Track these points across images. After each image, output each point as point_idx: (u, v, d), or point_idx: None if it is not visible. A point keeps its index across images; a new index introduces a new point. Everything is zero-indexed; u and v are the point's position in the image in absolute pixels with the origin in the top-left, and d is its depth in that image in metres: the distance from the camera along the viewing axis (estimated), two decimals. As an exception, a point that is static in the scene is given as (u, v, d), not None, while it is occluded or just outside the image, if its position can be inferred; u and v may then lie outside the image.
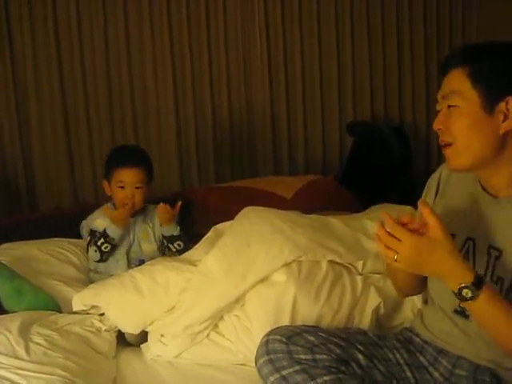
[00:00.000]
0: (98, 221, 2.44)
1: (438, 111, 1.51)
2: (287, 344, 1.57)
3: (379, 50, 4.26)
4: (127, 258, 2.44)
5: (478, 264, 1.48)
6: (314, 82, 4.14)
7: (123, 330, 2.11)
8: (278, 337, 1.59)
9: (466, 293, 1.31)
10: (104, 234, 2.36)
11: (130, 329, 2.08)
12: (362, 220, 2.35)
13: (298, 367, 1.51)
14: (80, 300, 2.15)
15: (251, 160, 4.08)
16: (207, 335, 2.04)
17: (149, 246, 2.49)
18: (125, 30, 3.68)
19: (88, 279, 2.44)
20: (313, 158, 4.20)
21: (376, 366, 1.59)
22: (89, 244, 2.43)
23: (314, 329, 1.68)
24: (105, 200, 2.54)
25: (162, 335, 2.05)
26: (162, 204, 2.44)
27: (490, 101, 1.41)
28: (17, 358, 1.74)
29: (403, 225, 1.38)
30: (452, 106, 1.46)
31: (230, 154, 4.01)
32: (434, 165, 3.85)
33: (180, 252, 2.42)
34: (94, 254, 2.39)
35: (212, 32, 3.88)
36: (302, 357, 1.54)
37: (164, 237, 2.47)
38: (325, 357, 1.54)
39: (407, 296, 1.97)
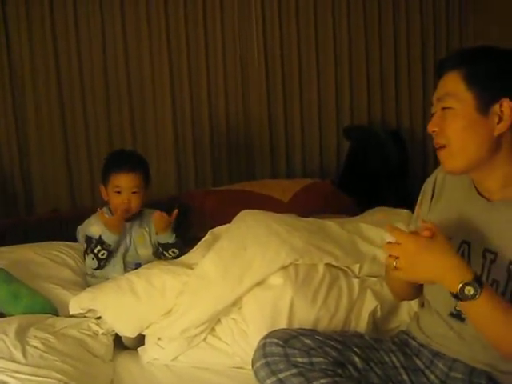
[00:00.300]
0: (94, 227, 2.44)
1: (433, 114, 1.52)
2: (284, 347, 1.57)
3: (376, 54, 4.26)
4: (123, 262, 2.43)
5: (474, 267, 1.47)
6: (311, 85, 4.13)
7: (120, 334, 2.11)
8: (275, 340, 1.60)
9: (469, 290, 1.31)
10: (100, 241, 2.36)
11: (127, 332, 2.08)
12: (358, 223, 2.36)
13: (294, 370, 1.52)
14: (77, 303, 2.16)
15: (248, 164, 4.08)
16: (204, 338, 2.04)
17: (145, 251, 2.48)
18: (122, 30, 3.67)
19: (85, 282, 2.44)
20: (310, 162, 4.20)
21: (372, 368, 1.60)
22: (85, 252, 2.42)
23: (311, 332, 1.69)
24: (102, 204, 2.54)
25: (158, 338, 2.05)
26: (158, 212, 2.44)
27: (485, 103, 1.42)
28: (14, 361, 1.74)
29: None
30: (447, 107, 1.47)
31: (227, 158, 4.01)
32: (431, 169, 3.84)
33: (175, 258, 2.42)
34: (91, 262, 2.39)
35: (209, 35, 3.87)
36: (299, 360, 1.54)
37: (159, 244, 2.47)
38: (321, 360, 1.54)
39: (404, 300, 1.99)
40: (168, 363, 2.02)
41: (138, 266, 2.38)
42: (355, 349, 1.62)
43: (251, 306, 2.01)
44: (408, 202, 2.17)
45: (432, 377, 1.59)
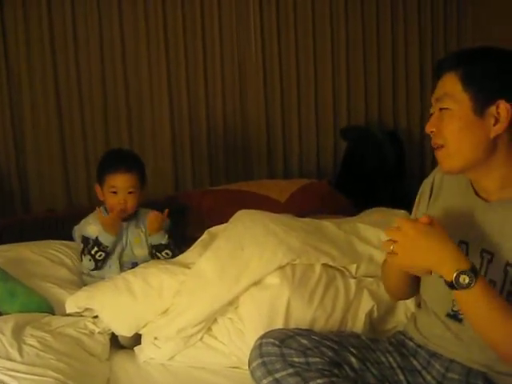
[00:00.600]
0: (91, 227, 2.44)
1: (432, 114, 1.53)
2: (280, 347, 1.57)
3: (373, 55, 4.26)
4: (120, 263, 2.43)
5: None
6: (308, 86, 4.14)
7: (117, 333, 2.11)
8: (272, 340, 1.60)
9: (464, 279, 1.31)
10: (97, 242, 2.36)
11: (124, 331, 2.08)
12: (355, 223, 2.35)
13: (291, 370, 1.52)
14: (73, 302, 2.15)
15: (245, 164, 4.08)
16: (200, 338, 2.04)
17: (141, 251, 2.48)
18: (120, 29, 3.67)
19: (81, 281, 2.43)
20: (307, 163, 4.20)
21: (369, 369, 1.60)
22: (82, 253, 2.43)
23: (307, 332, 1.69)
24: (98, 203, 2.53)
25: (155, 338, 2.05)
26: (153, 212, 2.44)
27: (481, 104, 1.43)
28: (9, 359, 1.74)
29: None
30: (444, 108, 1.48)
31: (225, 158, 4.01)
32: (428, 169, 3.85)
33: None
34: (88, 263, 2.39)
35: (207, 37, 3.87)
36: (295, 360, 1.54)
37: (152, 246, 2.47)
38: (318, 360, 1.54)
39: (399, 300, 1.99)
40: (164, 362, 2.02)
41: (134, 265, 2.38)
42: (352, 349, 1.62)
43: (248, 306, 2.01)
44: (405, 202, 2.17)
45: (429, 377, 1.59)
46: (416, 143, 4.41)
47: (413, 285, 1.70)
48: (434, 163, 1.57)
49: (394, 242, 1.40)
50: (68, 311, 2.15)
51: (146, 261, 2.38)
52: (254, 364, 1.58)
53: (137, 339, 2.10)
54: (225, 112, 3.97)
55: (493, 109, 1.42)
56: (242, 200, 3.07)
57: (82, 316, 2.13)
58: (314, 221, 2.36)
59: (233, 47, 3.95)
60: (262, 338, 1.64)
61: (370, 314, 2.02)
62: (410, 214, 1.83)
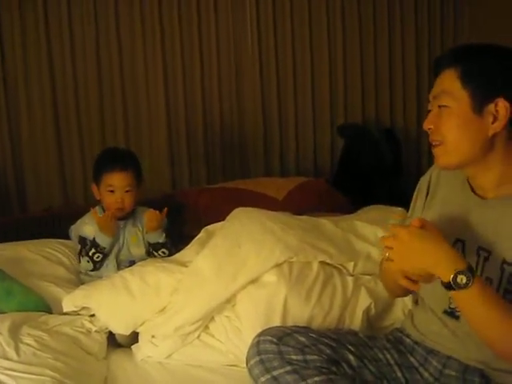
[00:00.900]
0: (87, 227, 2.43)
1: (429, 111, 1.53)
2: (278, 345, 1.57)
3: (370, 53, 4.26)
4: (117, 261, 2.42)
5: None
6: (305, 84, 4.14)
7: (114, 331, 2.11)
8: (269, 337, 1.60)
9: (461, 279, 1.30)
10: (94, 244, 2.36)
11: (121, 330, 2.08)
12: (352, 221, 2.36)
13: (288, 368, 1.52)
14: (70, 301, 2.15)
15: (242, 162, 4.08)
16: (198, 336, 2.04)
17: (138, 250, 2.47)
18: (116, 29, 3.66)
19: (78, 280, 2.43)
20: (304, 160, 4.20)
21: (366, 366, 1.60)
22: (80, 254, 2.42)
23: (305, 329, 1.69)
24: (95, 202, 2.53)
25: (152, 336, 2.05)
26: (151, 210, 2.43)
27: (480, 102, 1.43)
28: (6, 358, 1.74)
29: None
30: (442, 105, 1.48)
31: (222, 156, 4.01)
32: (425, 167, 3.85)
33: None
34: (86, 264, 2.38)
35: (203, 34, 3.87)
36: (293, 357, 1.54)
37: (149, 244, 2.46)
38: (315, 357, 1.54)
39: (398, 297, 1.99)
40: (162, 361, 2.02)
41: (131, 263, 2.38)
42: (349, 346, 1.62)
43: (245, 304, 2.01)
44: (402, 200, 2.17)
45: (426, 374, 1.59)
46: (413, 141, 4.41)
47: None
48: (431, 161, 1.57)
49: (390, 248, 1.40)
50: (65, 310, 2.15)
51: (143, 259, 2.38)
52: (252, 362, 1.57)
53: (134, 337, 2.10)
54: (221, 109, 3.97)
55: (491, 107, 1.42)
56: (238, 198, 3.07)
57: (79, 315, 2.13)
58: (312, 219, 2.36)
59: (229, 43, 3.95)
60: (259, 335, 1.64)
61: (367, 311, 2.03)
62: (407, 211, 1.83)
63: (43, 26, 3.51)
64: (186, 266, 2.15)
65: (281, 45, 4.05)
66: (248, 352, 1.62)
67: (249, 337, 1.72)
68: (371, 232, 2.27)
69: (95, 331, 2.06)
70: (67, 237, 2.57)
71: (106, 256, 2.39)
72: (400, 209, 2.43)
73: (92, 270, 2.39)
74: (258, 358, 1.56)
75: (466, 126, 1.45)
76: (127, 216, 2.48)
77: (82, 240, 2.43)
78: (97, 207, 2.46)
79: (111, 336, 2.12)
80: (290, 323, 1.90)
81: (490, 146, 1.45)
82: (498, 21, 3.95)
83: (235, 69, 3.98)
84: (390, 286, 1.76)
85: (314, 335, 1.62)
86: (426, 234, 1.38)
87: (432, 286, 1.43)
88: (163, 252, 2.44)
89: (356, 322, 2.00)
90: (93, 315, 2.11)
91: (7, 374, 1.67)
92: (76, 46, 3.62)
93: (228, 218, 2.32)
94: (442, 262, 1.34)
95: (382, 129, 4.15)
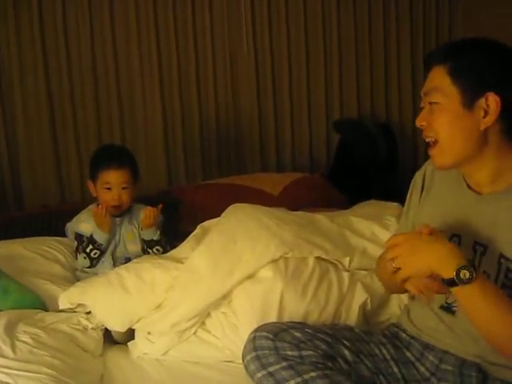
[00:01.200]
0: (83, 224, 2.43)
1: (422, 108, 1.53)
2: (274, 340, 1.57)
3: (366, 48, 4.26)
4: (113, 258, 2.43)
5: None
6: (300, 79, 4.13)
7: (110, 328, 2.10)
8: (265, 333, 1.60)
9: (464, 274, 1.30)
10: (92, 241, 2.36)
11: (117, 327, 2.08)
12: (348, 217, 2.36)
13: (284, 363, 1.52)
14: (66, 298, 2.15)
15: (238, 158, 4.08)
16: (194, 332, 2.04)
17: (134, 247, 2.47)
18: (111, 25, 3.64)
19: (74, 277, 2.43)
20: (300, 156, 4.20)
21: (363, 361, 1.60)
22: (77, 250, 2.42)
23: (301, 325, 1.69)
24: (91, 199, 2.52)
25: (148, 333, 2.05)
26: (148, 208, 2.43)
27: (470, 97, 1.43)
28: (2, 356, 1.74)
29: None
30: (433, 102, 1.48)
31: (218, 152, 4.00)
32: (421, 162, 3.84)
33: None
34: (83, 261, 2.39)
35: (198, 30, 3.86)
36: (289, 353, 1.54)
37: (144, 241, 2.46)
38: (311, 353, 1.54)
39: (395, 293, 1.99)
40: (158, 357, 2.02)
41: (127, 260, 2.38)
42: (345, 342, 1.62)
43: (241, 300, 2.01)
44: (398, 195, 2.17)
45: (422, 369, 1.60)
46: (408, 136, 4.41)
47: None
48: (427, 156, 1.57)
49: (395, 258, 1.40)
50: (61, 307, 2.15)
51: (139, 256, 2.37)
52: (248, 358, 1.58)
53: (130, 334, 2.09)
54: (217, 105, 3.96)
55: (482, 101, 1.42)
56: (235, 194, 3.07)
57: (75, 312, 2.13)
58: (307, 214, 2.36)
59: (224, 40, 3.94)
60: (255, 331, 1.64)
61: (363, 306, 2.03)
62: (403, 206, 1.83)
63: (38, 25, 3.49)
64: (182, 263, 2.15)
65: (276, 41, 4.04)
66: (244, 348, 1.62)
67: (245, 333, 1.72)
68: (367, 227, 2.27)
69: (91, 328, 2.06)
70: (63, 234, 2.56)
71: (103, 253, 2.39)
72: (395, 204, 2.43)
73: (89, 267, 2.39)
74: (253, 354, 1.56)
75: (457, 122, 1.45)
76: (123, 213, 2.48)
77: (79, 237, 2.42)
78: (93, 204, 2.46)
79: (107, 333, 2.12)
80: (286, 319, 1.90)
81: (483, 142, 1.45)
82: (492, 14, 3.95)
83: (230, 64, 3.97)
84: (388, 283, 1.76)
85: (309, 331, 1.63)
86: (428, 238, 1.39)
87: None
88: (157, 249, 2.44)
89: (352, 317, 2.00)
90: (89, 312, 2.11)
91: (3, 372, 1.67)
92: (71, 44, 3.60)
93: (223, 214, 2.31)
94: (443, 259, 1.34)
95: (378, 124, 4.15)
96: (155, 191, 3.53)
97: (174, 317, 1.99)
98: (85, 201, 2.89)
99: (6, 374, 1.66)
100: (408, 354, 1.64)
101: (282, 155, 4.16)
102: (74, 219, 2.48)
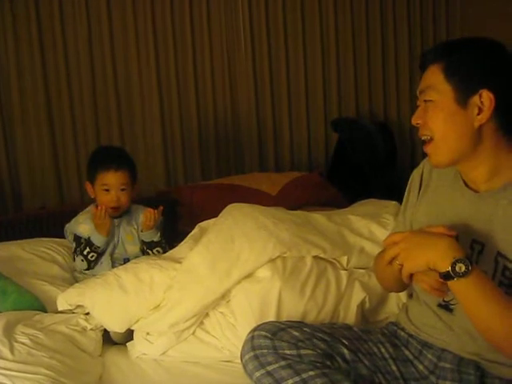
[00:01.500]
0: (82, 226, 2.43)
1: (418, 106, 1.53)
2: (272, 340, 1.57)
3: (363, 47, 4.27)
4: (111, 259, 2.43)
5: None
6: (298, 78, 4.14)
7: (108, 329, 2.10)
8: (263, 333, 1.59)
9: (460, 267, 1.30)
10: (89, 243, 2.36)
11: (116, 327, 2.08)
12: (346, 215, 2.36)
13: (283, 363, 1.51)
14: (65, 299, 2.15)
15: (237, 157, 4.08)
16: (193, 332, 2.04)
17: (133, 248, 2.47)
18: (108, 26, 3.65)
19: (73, 278, 2.43)
20: (298, 155, 4.21)
21: (361, 359, 1.60)
22: (75, 252, 2.42)
23: (299, 324, 1.68)
24: (89, 200, 2.52)
25: (147, 333, 2.04)
26: (148, 210, 2.43)
27: (463, 94, 1.43)
28: (1, 358, 1.73)
29: None
30: (428, 100, 1.49)
31: (216, 152, 4.00)
32: (419, 160, 3.85)
33: None
34: (81, 263, 2.39)
35: (196, 31, 3.86)
36: (287, 352, 1.54)
37: (144, 242, 2.46)
38: (310, 352, 1.54)
39: (393, 292, 1.99)
40: (157, 358, 2.02)
41: (126, 261, 2.38)
42: (343, 340, 1.62)
43: (240, 299, 2.01)
44: (396, 193, 2.17)
45: (421, 367, 1.60)
46: (406, 135, 4.42)
47: None
48: (425, 154, 1.58)
49: (397, 256, 1.41)
50: (59, 308, 2.15)
51: (137, 257, 2.37)
52: (247, 357, 1.57)
53: (129, 335, 2.09)
54: (215, 105, 3.96)
55: (476, 98, 1.42)
56: (233, 194, 3.08)
57: (73, 313, 2.13)
58: (304, 213, 2.36)
59: (222, 41, 3.94)
60: (253, 330, 1.63)
61: (361, 305, 2.03)
62: (401, 204, 1.83)
63: (35, 21, 3.49)
64: (180, 263, 2.15)
65: (273, 40, 4.05)
66: (242, 347, 1.62)
67: (243, 332, 1.72)
68: (365, 226, 2.27)
69: (90, 329, 2.06)
70: (62, 236, 2.56)
71: (100, 255, 2.39)
72: (393, 202, 2.43)
73: (87, 269, 2.39)
74: (252, 354, 1.56)
75: (452, 119, 1.45)
76: (122, 214, 2.48)
77: (77, 239, 2.43)
78: (92, 205, 2.47)
79: (106, 334, 2.12)
80: (284, 318, 1.90)
81: (478, 139, 1.45)
82: (490, 14, 3.96)
83: (228, 64, 3.97)
84: (386, 283, 1.76)
85: (308, 330, 1.62)
86: (427, 233, 1.40)
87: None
88: (158, 251, 2.45)
89: (350, 315, 2.00)
90: (88, 313, 2.11)
91: (2, 374, 1.66)
92: (68, 41, 3.59)
93: (221, 214, 2.31)
94: (440, 252, 1.34)
95: (376, 123, 4.16)
96: (154, 192, 3.54)
97: (172, 317, 1.99)
98: (83, 202, 2.89)
99: (5, 375, 1.66)
100: (406, 353, 1.64)
101: (280, 155, 4.17)
102: (73, 221, 2.48)
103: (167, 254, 2.31)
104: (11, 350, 1.77)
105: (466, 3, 4.36)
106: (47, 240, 2.64)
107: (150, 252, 2.45)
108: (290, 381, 1.48)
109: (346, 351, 1.59)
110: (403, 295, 2.02)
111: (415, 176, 1.75)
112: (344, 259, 2.15)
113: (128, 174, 2.43)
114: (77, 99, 3.67)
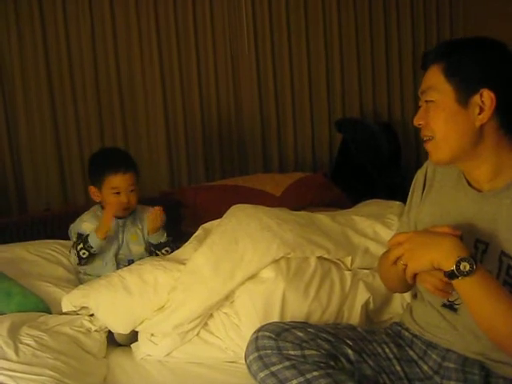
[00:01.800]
0: (86, 224, 2.43)
1: (420, 107, 1.54)
2: (276, 340, 1.57)
3: (367, 47, 4.27)
4: (116, 260, 2.43)
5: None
6: (302, 78, 4.15)
7: (113, 330, 2.10)
8: (267, 333, 1.60)
9: (465, 266, 1.30)
10: (85, 240, 2.35)
11: (120, 329, 2.08)
12: (350, 216, 2.36)
13: (287, 363, 1.51)
14: (69, 301, 2.15)
15: (241, 158, 4.08)
16: (197, 333, 2.04)
17: (138, 248, 2.47)
18: (112, 26, 3.66)
19: (78, 280, 2.43)
20: (302, 156, 4.21)
21: (365, 360, 1.59)
22: (72, 246, 2.42)
23: (303, 325, 1.68)
24: (94, 201, 2.52)
25: (152, 334, 2.04)
26: (153, 212, 2.43)
27: (465, 94, 1.43)
28: (6, 359, 1.73)
29: None
30: (429, 100, 1.49)
31: (220, 153, 4.01)
32: (423, 160, 3.85)
33: None
34: (73, 257, 2.39)
35: (199, 31, 3.87)
36: (292, 353, 1.54)
37: (151, 244, 2.47)
38: (314, 352, 1.54)
39: (397, 292, 1.99)
40: (161, 359, 2.02)
41: (130, 262, 2.37)
42: (348, 341, 1.62)
43: (244, 300, 2.01)
44: (400, 194, 2.17)
45: (425, 367, 1.59)
46: (411, 135, 4.42)
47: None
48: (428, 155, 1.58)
49: (401, 256, 1.41)
50: (64, 310, 2.14)
51: (142, 257, 2.38)
52: (251, 358, 1.57)
53: (133, 336, 2.09)
54: (219, 106, 3.97)
55: (477, 98, 1.42)
56: (237, 195, 3.08)
57: (78, 314, 2.13)
58: (308, 214, 2.36)
59: (225, 41, 3.95)
60: (257, 331, 1.63)
61: (365, 305, 2.03)
62: (405, 205, 1.83)
63: (38, 22, 3.50)
64: (184, 264, 2.15)
65: (277, 40, 4.05)
66: (247, 348, 1.62)
67: (248, 333, 1.72)
68: (369, 226, 2.27)
69: (95, 331, 2.06)
70: (66, 237, 2.56)
71: (92, 256, 2.37)
72: (398, 203, 2.43)
73: (78, 265, 2.40)
74: (256, 354, 1.56)
75: (453, 119, 1.45)
76: (126, 215, 2.48)
77: (79, 236, 2.42)
78: (96, 205, 2.48)
79: (111, 335, 2.12)
80: (288, 319, 1.90)
81: (480, 138, 1.45)
82: (493, 14, 3.96)
83: (232, 65, 3.98)
84: (390, 283, 1.76)
85: (312, 330, 1.62)
86: (431, 233, 1.40)
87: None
88: (166, 250, 2.45)
89: (354, 316, 2.00)
90: (92, 315, 2.11)
91: (7, 375, 1.66)
92: (71, 40, 3.62)
93: (225, 215, 2.31)
94: (444, 252, 1.34)
95: (380, 123, 4.16)
96: (157, 192, 3.54)
97: (176, 318, 1.99)
98: (88, 203, 2.89)
99: (10, 376, 1.66)
100: (411, 353, 1.64)
101: (284, 155, 4.17)
102: (77, 220, 2.48)
103: (171, 255, 2.32)
104: (16, 351, 1.77)
105: (468, 3, 4.35)
106: (52, 242, 2.65)
107: (158, 253, 2.46)
108: (294, 381, 1.48)
109: (350, 352, 1.59)
110: (407, 295, 2.01)
111: (419, 176, 1.74)
112: (348, 260, 2.15)
113: (134, 175, 2.44)
114: (81, 101, 3.69)
